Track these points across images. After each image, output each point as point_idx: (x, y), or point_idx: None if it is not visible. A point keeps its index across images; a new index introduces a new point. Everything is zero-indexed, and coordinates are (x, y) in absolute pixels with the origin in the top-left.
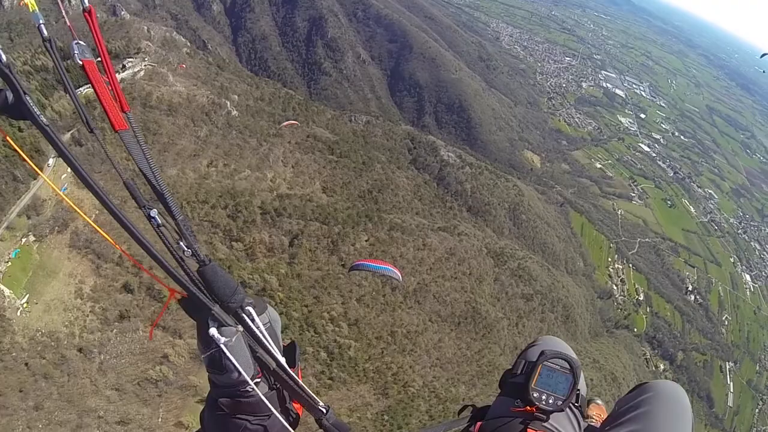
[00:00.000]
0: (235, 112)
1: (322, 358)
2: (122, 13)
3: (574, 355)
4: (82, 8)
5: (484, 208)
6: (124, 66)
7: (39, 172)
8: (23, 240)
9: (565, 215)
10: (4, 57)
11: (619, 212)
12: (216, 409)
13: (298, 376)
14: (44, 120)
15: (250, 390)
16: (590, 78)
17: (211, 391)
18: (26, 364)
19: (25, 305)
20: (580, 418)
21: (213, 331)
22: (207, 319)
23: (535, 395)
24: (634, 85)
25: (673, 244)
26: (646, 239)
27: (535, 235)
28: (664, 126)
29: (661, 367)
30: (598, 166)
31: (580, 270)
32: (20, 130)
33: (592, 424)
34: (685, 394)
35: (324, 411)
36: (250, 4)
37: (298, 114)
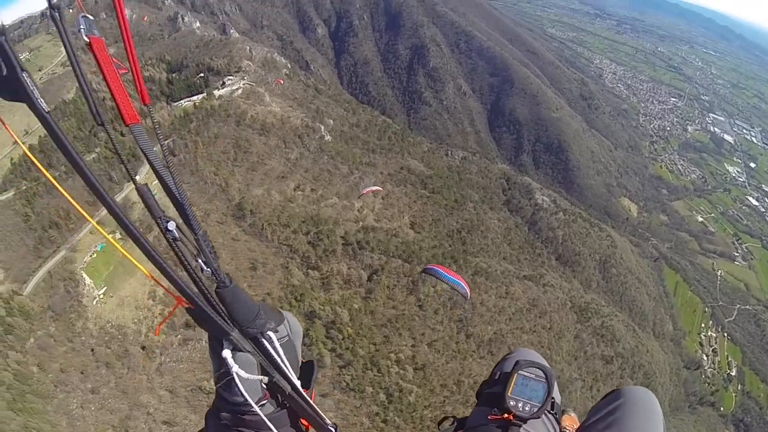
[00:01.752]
0: (328, 136)
1: (380, 399)
2: (231, 31)
3: (547, 365)
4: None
5: (574, 258)
6: (223, 83)
7: (35, 161)
8: (111, 236)
9: (658, 271)
10: None
11: (718, 273)
12: (219, 418)
13: (311, 396)
14: (44, 105)
15: (256, 412)
16: (697, 121)
17: (216, 401)
18: (92, 350)
19: (101, 296)
20: (556, 426)
21: (227, 353)
22: (220, 337)
23: (511, 403)
24: (744, 130)
25: None
26: (747, 306)
27: (624, 291)
28: None
29: None
30: (700, 219)
31: (669, 334)
32: (122, 135)
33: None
34: (655, 399)
35: (333, 430)
36: (354, 29)
37: (394, 143)
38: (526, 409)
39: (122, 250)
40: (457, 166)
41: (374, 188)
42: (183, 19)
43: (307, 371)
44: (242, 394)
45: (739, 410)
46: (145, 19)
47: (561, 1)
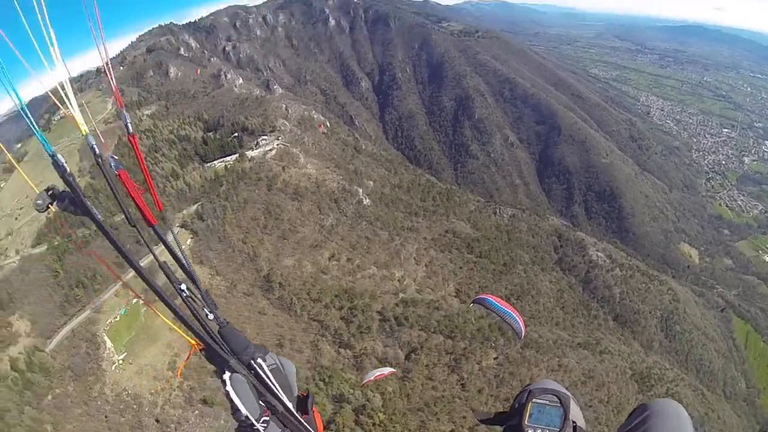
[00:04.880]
0: (367, 200)
1: None
2: (275, 87)
3: (563, 390)
4: (126, 133)
5: (633, 317)
6: (257, 143)
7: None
8: (134, 300)
9: (726, 323)
10: (68, 168)
11: None
12: None
13: (316, 418)
14: (99, 216)
15: (258, 428)
16: (753, 151)
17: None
18: (106, 417)
19: (120, 362)
20: None
21: (226, 375)
22: (223, 366)
23: (529, 431)
24: None
25: None
26: None
27: (689, 350)
28: None
29: None
30: (767, 259)
31: (742, 393)
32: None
33: None
34: (683, 409)
35: None
36: (397, 82)
37: (438, 205)
38: None
39: (155, 310)
40: (506, 225)
41: (386, 371)
42: (226, 76)
43: (303, 402)
44: (236, 403)
45: None
46: (198, 72)
47: (601, 40)
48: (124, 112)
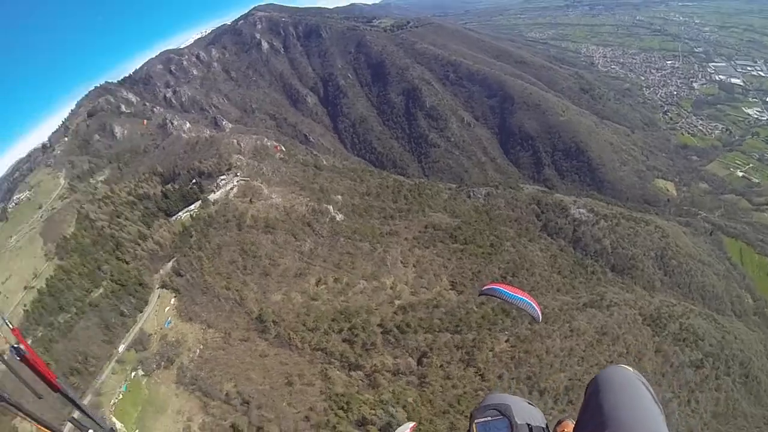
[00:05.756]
0: (339, 216)
1: None
2: (223, 122)
3: (506, 400)
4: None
5: (629, 263)
6: (217, 185)
7: None
8: (133, 374)
9: (718, 245)
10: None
11: None
12: None
13: None
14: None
15: None
16: (700, 75)
17: None
18: None
19: None
20: None
21: None
22: None
23: None
24: (748, 68)
25: None
26: None
27: (690, 280)
28: None
29: None
30: (740, 174)
31: (750, 308)
32: (126, 262)
33: None
34: (629, 371)
35: None
36: (342, 90)
37: (412, 202)
38: None
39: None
40: (483, 206)
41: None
42: (172, 123)
43: None
44: None
45: None
46: (145, 122)
47: (531, 3)
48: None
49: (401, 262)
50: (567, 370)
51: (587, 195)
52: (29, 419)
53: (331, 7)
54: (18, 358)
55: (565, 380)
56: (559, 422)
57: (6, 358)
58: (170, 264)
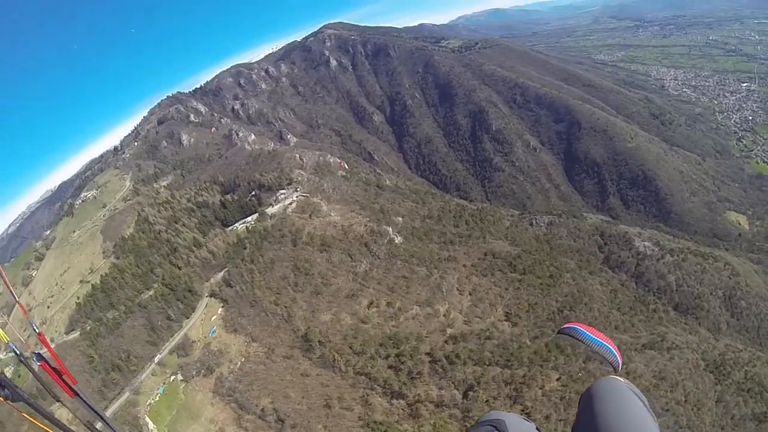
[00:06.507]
0: (398, 238)
1: None
2: (288, 136)
3: (502, 416)
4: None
5: (694, 302)
6: (276, 199)
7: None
8: (172, 378)
9: None
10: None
11: None
12: None
13: None
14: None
15: None
16: None
17: None
18: None
19: None
20: None
21: None
22: None
23: None
24: None
25: None
26: None
27: (760, 324)
28: None
29: None
30: None
31: None
32: (179, 267)
33: None
34: (621, 382)
35: None
36: (409, 109)
37: (473, 227)
38: None
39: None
40: (545, 234)
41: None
42: (237, 134)
43: None
44: None
45: None
46: (212, 131)
47: (598, 25)
48: (30, 319)
49: (457, 289)
50: None
51: (653, 227)
52: (47, 421)
53: (400, 26)
54: (39, 363)
55: None
56: None
57: (28, 361)
58: (221, 274)
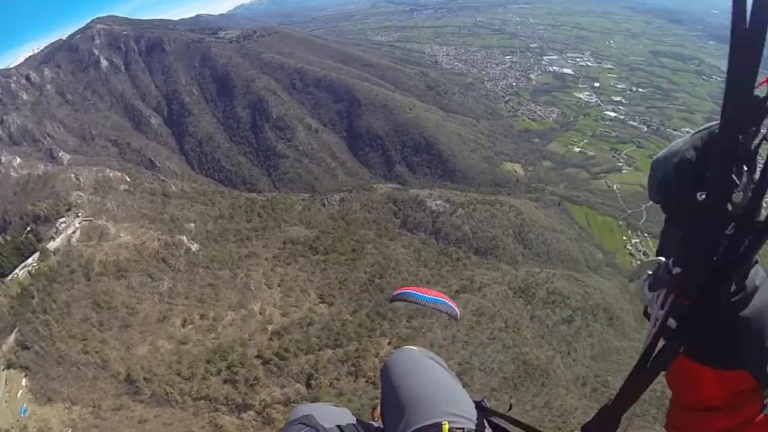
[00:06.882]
0: (195, 246)
1: None
2: (60, 154)
3: (307, 410)
4: None
5: (491, 243)
6: (56, 230)
7: None
8: None
9: (566, 213)
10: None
11: (614, 187)
12: None
13: None
14: None
15: None
16: (535, 68)
17: None
18: None
19: None
20: None
21: None
22: None
23: None
24: (577, 59)
25: None
26: (650, 202)
27: (548, 248)
28: (619, 86)
29: None
30: (577, 149)
31: (602, 262)
32: None
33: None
34: (411, 351)
35: None
36: (187, 108)
37: (266, 219)
38: None
39: None
40: (339, 212)
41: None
42: (0, 160)
43: None
44: None
45: None
46: None
47: (376, 9)
48: None
49: (265, 284)
50: (454, 357)
51: (441, 186)
52: None
53: (176, 19)
54: None
55: (456, 366)
56: (374, 408)
57: None
58: (12, 336)
